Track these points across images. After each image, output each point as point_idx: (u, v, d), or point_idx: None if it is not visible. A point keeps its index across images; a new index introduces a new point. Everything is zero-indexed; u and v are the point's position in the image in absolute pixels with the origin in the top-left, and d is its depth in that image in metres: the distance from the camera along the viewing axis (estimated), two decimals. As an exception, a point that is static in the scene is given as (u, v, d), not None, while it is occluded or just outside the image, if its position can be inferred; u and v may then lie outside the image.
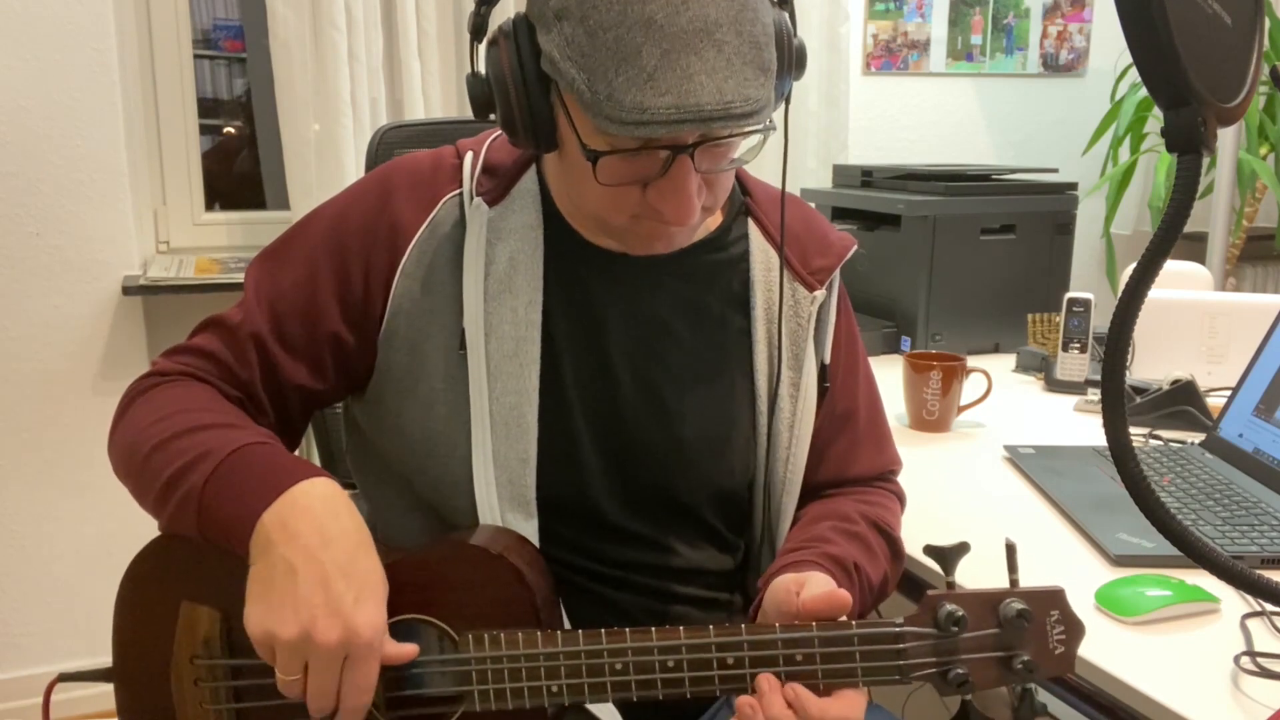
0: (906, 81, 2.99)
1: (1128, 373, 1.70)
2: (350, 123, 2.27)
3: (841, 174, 2.37)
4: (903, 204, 1.99)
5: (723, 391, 0.99)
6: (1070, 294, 1.77)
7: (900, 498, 1.10)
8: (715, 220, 1.02)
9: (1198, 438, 1.45)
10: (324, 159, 2.27)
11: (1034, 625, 0.77)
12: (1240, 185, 2.64)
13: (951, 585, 0.79)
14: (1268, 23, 1.69)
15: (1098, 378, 1.72)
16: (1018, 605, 0.76)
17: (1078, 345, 1.77)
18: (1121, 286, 1.28)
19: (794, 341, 1.00)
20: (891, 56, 2.95)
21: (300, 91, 2.25)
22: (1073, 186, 2.11)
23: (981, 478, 1.37)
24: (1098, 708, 0.91)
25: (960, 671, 0.77)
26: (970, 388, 1.59)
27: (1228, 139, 2.43)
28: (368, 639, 0.76)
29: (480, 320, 0.92)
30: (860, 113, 2.91)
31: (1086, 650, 0.81)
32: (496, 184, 0.96)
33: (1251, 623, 0.96)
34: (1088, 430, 1.58)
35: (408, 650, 0.80)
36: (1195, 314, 1.73)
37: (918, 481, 1.34)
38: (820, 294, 1.01)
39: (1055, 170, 2.24)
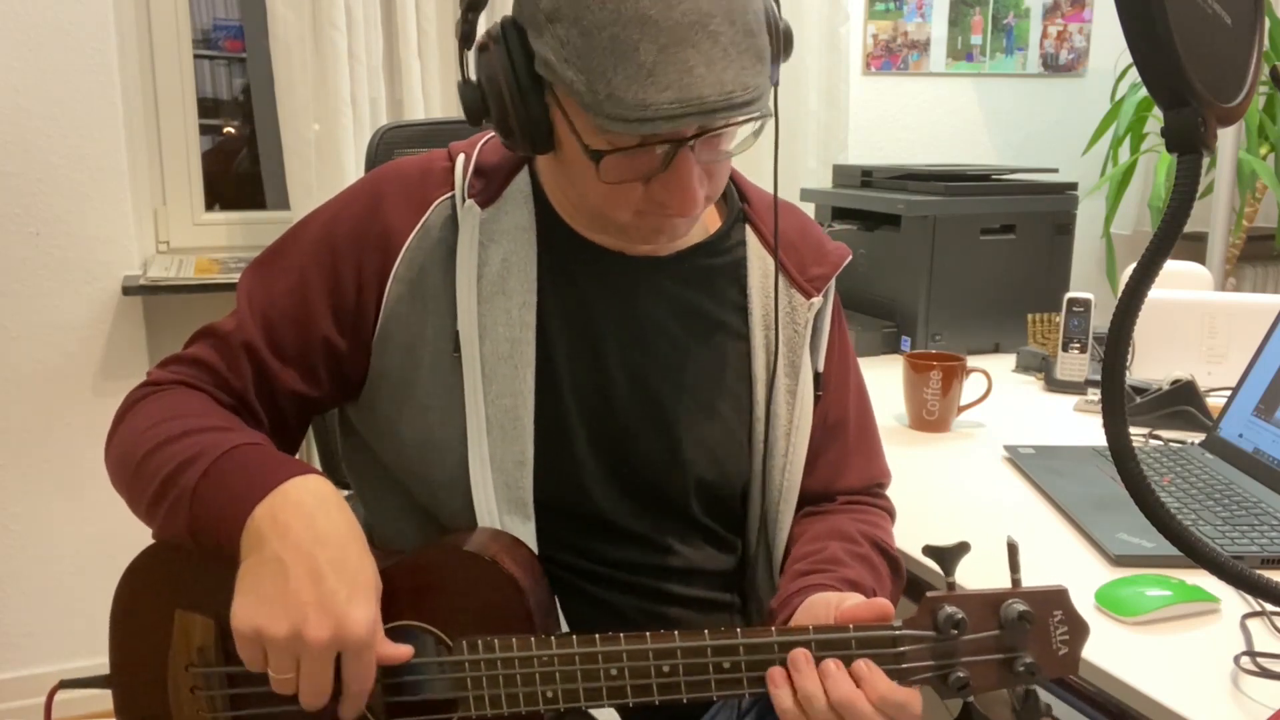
0: (906, 81, 2.99)
1: (1128, 373, 1.70)
2: (350, 123, 2.26)
3: (841, 174, 2.37)
4: (903, 204, 1.99)
5: (717, 394, 0.99)
6: (1070, 294, 1.77)
7: (891, 514, 1.08)
8: (713, 224, 1.02)
9: (1198, 438, 1.45)
10: (324, 159, 2.27)
11: (1036, 626, 0.76)
12: (1240, 185, 2.64)
13: (952, 586, 0.78)
14: (1268, 23, 1.69)
15: (1098, 378, 1.72)
16: (1020, 606, 0.75)
17: (1078, 345, 1.77)
18: (1121, 286, 1.28)
19: (790, 348, 1.00)
20: (891, 56, 2.95)
21: (300, 91, 2.25)
22: (1073, 186, 2.11)
23: (981, 478, 1.37)
24: (1098, 708, 0.91)
25: (961, 675, 0.76)
26: (970, 388, 1.59)
27: (1228, 139, 2.43)
28: (360, 635, 0.75)
29: (474, 323, 0.92)
30: (860, 113, 2.90)
31: (1087, 650, 0.80)
32: (488, 185, 0.95)
33: (1251, 623, 0.96)
34: (1088, 430, 1.58)
35: (403, 651, 0.80)
36: (1195, 314, 1.73)
37: (918, 482, 1.34)
38: (817, 301, 1.01)
39: (1055, 170, 2.24)
